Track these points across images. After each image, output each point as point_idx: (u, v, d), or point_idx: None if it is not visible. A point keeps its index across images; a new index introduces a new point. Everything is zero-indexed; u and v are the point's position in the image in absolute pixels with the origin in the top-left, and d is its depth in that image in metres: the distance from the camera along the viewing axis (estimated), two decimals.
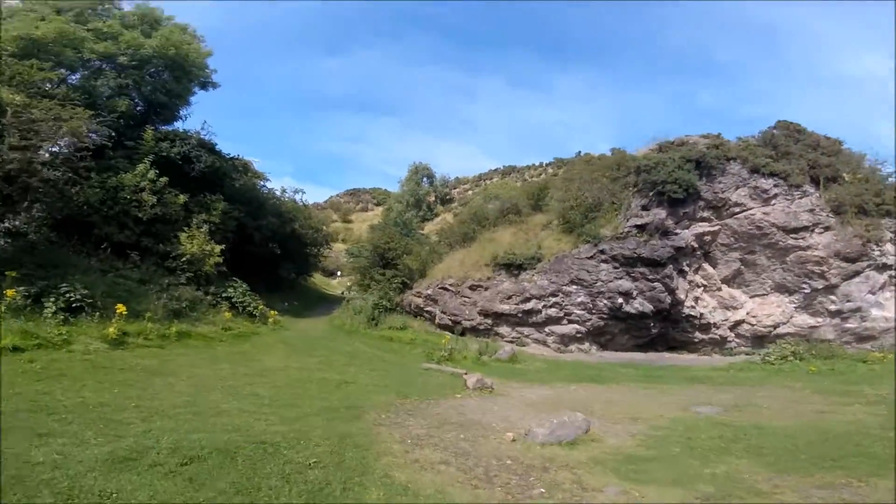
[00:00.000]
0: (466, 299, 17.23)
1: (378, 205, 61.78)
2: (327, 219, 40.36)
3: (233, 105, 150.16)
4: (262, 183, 25.14)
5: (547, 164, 54.45)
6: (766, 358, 13.54)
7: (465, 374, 10.55)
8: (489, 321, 16.84)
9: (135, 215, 14.86)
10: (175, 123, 19.63)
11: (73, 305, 9.92)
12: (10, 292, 9.08)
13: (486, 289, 16.98)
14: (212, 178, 17.98)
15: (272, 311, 16.59)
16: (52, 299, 9.70)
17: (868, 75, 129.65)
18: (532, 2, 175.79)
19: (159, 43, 17.29)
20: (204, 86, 19.74)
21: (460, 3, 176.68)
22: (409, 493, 4.38)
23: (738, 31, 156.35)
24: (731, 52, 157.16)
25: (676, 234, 15.77)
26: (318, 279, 35.23)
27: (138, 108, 17.80)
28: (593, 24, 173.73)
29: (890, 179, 15.37)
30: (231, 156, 20.93)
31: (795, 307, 15.26)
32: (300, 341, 14.19)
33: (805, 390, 10.03)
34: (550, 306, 16.18)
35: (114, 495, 3.58)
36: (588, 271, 15.89)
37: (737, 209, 15.64)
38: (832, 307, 14.59)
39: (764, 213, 15.18)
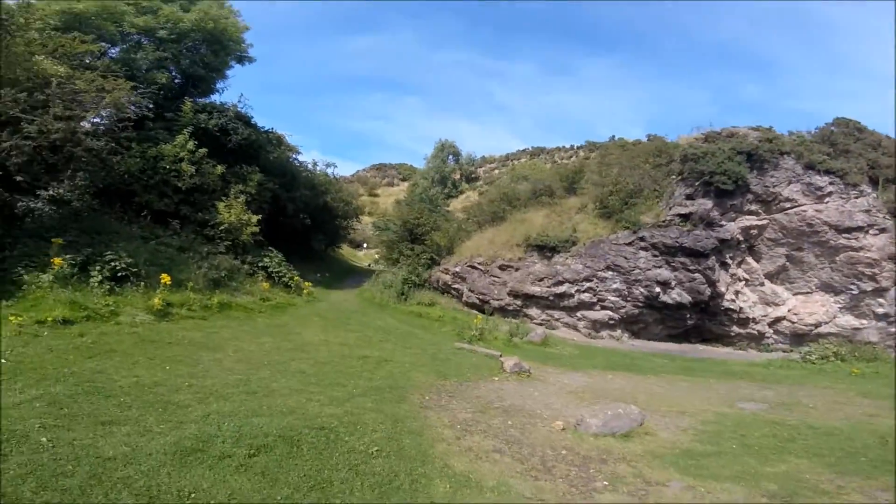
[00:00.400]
0: (496, 279, 17.12)
1: (404, 180, 61.57)
2: (355, 192, 40.47)
3: (264, 80, 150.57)
4: (294, 156, 25.23)
5: (578, 147, 53.13)
6: (807, 356, 13.14)
7: (501, 356, 10.52)
8: (518, 302, 16.73)
9: (174, 184, 15.12)
10: (212, 96, 19.90)
11: (119, 275, 10.04)
12: (57, 261, 9.09)
13: (517, 269, 16.81)
14: (248, 150, 18.14)
15: (306, 283, 16.81)
16: (98, 268, 9.79)
17: None
18: None
19: (198, 17, 17.35)
20: (240, 60, 19.92)
21: None
22: (472, 484, 4.38)
23: (783, 25, 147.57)
24: (776, 46, 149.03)
25: (722, 225, 15.20)
26: (345, 251, 35.62)
27: (176, 81, 18.05)
28: (630, 11, 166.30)
29: None
30: (266, 129, 20.98)
31: (840, 307, 14.69)
32: (334, 314, 14.36)
33: (849, 392, 9.69)
34: (584, 291, 15.94)
35: (192, 495, 3.57)
36: (626, 258, 15.52)
37: (787, 205, 14.94)
38: (880, 310, 13.99)
39: (816, 211, 14.46)
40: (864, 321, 14.32)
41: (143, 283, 10.12)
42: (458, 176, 52.93)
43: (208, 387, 6.09)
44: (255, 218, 16.24)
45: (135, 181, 14.56)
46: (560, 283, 16.05)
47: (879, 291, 13.97)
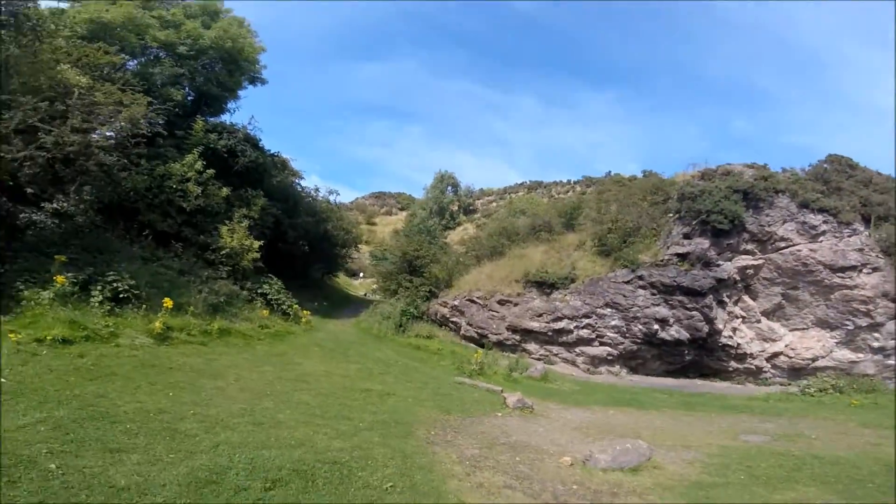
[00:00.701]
0: (494, 313, 17.10)
1: (402, 209, 62.03)
2: (355, 220, 40.65)
3: (270, 102, 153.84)
4: (297, 181, 25.43)
5: (575, 182, 54.19)
6: (806, 389, 13.21)
7: (503, 391, 10.41)
8: (517, 337, 16.67)
9: (178, 205, 15.06)
10: (222, 116, 19.94)
11: (121, 296, 9.91)
12: (59, 279, 8.98)
13: (516, 304, 16.83)
14: (253, 173, 18.22)
15: (305, 311, 16.66)
16: (100, 288, 9.67)
17: None
18: (572, 26, 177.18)
19: (217, 35, 17.54)
20: (253, 81, 20.07)
21: (499, 21, 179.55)
22: None
23: (777, 59, 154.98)
24: (770, 81, 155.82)
25: (719, 265, 15.45)
26: (341, 279, 35.43)
27: (189, 98, 18.07)
28: (629, 47, 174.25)
29: None
30: (272, 152, 21.19)
31: (836, 342, 14.82)
32: (333, 344, 14.19)
33: (850, 423, 9.72)
34: (583, 327, 15.95)
35: None
36: (624, 296, 15.65)
37: (782, 244, 15.28)
38: (875, 344, 14.15)
39: (811, 250, 14.79)
40: (861, 354, 14.43)
41: (143, 306, 9.99)
42: (456, 207, 53.48)
43: (213, 416, 5.95)
44: (256, 244, 16.17)
45: (140, 199, 14.43)
46: (559, 318, 16.07)
47: (874, 326, 14.16)
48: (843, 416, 10.36)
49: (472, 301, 17.69)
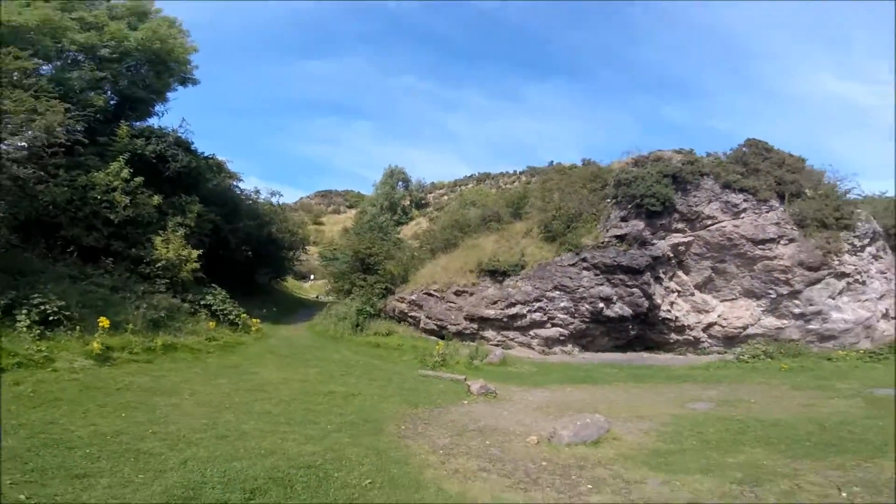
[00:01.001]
0: (452, 304, 17.33)
1: (350, 207, 60.89)
2: (301, 221, 39.34)
3: (201, 102, 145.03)
4: (235, 184, 24.27)
5: (521, 173, 55.80)
6: (741, 357, 14.51)
7: (466, 379, 10.64)
8: (475, 326, 17.02)
9: (105, 217, 13.96)
10: (149, 120, 18.72)
11: (50, 318, 9.21)
12: None
13: (472, 294, 17.16)
14: (187, 178, 17.21)
15: (254, 319, 16.05)
16: (26, 311, 8.96)
17: (826, 93, 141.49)
18: (516, 19, 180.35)
19: (145, 36, 16.47)
20: (184, 82, 18.97)
21: (445, 17, 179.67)
22: (469, 502, 4.45)
23: (705, 48, 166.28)
24: (697, 70, 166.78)
25: (654, 244, 16.56)
26: (290, 283, 34.30)
27: (112, 103, 16.77)
28: (570, 39, 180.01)
29: (848, 196, 16.87)
30: (206, 155, 20.11)
31: (763, 310, 16.38)
32: (289, 350, 13.81)
33: (783, 386, 10.79)
34: (535, 311, 16.56)
35: None
36: (570, 278, 16.39)
37: (709, 222, 16.63)
38: (796, 310, 15.78)
39: (734, 226, 16.22)
40: (785, 321, 16.06)
41: (77, 327, 9.28)
42: (407, 202, 53.32)
43: (174, 433, 5.69)
44: (195, 253, 15.28)
45: (61, 213, 13.17)
46: (512, 304, 16.57)
47: (794, 294, 15.78)
48: (777, 381, 11.48)
49: (430, 294, 17.81)
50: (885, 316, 15.77)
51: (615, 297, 16.18)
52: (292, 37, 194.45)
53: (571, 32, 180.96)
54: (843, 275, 15.39)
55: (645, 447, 6.40)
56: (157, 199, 15.15)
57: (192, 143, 18.38)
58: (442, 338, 16.54)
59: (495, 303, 16.79)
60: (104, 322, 9.41)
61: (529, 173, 46.12)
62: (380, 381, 10.47)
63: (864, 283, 15.71)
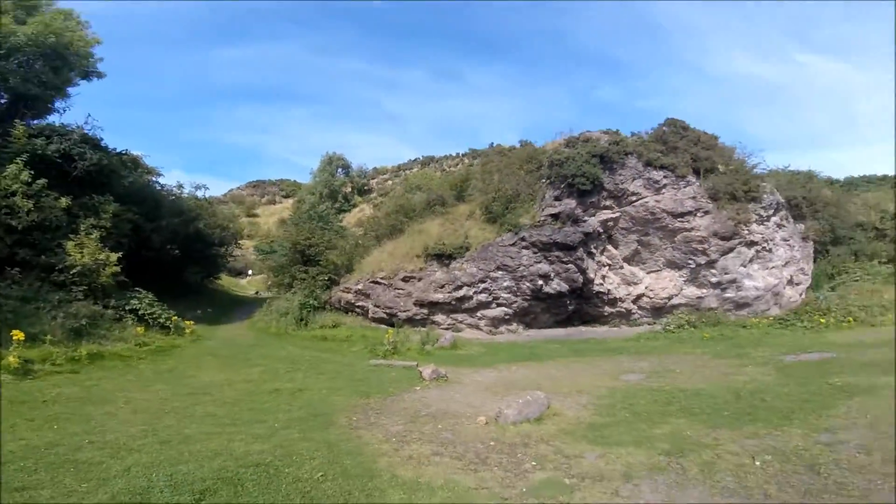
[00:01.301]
0: (400, 291, 17.38)
1: (287, 197, 58.33)
2: (232, 215, 37.18)
3: (114, 95, 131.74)
4: (154, 179, 22.54)
5: (463, 155, 56.03)
6: (667, 327, 15.81)
7: (417, 365, 10.81)
8: (425, 311, 17.21)
9: (6, 223, 12.57)
10: (50, 117, 17.06)
11: None
12: None
13: (420, 279, 17.28)
14: (98, 177, 15.84)
15: (187, 321, 15.19)
16: None
17: (736, 73, 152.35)
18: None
19: (36, 30, 14.92)
20: (86, 76, 17.31)
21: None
22: (423, 487, 4.61)
23: (634, 30, 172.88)
24: (630, 51, 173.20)
25: (585, 221, 17.49)
26: (226, 280, 32.56)
27: (2, 101, 15.14)
28: (510, 19, 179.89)
29: (755, 170, 18.64)
30: (118, 151, 18.49)
31: (684, 280, 17.90)
32: (229, 350, 13.27)
33: (705, 356, 11.76)
34: (480, 292, 17.01)
35: None
36: (511, 257, 16.98)
37: (634, 198, 17.78)
38: (713, 279, 17.40)
39: (656, 201, 17.47)
40: (704, 290, 17.65)
41: None
42: (349, 189, 51.87)
43: (113, 441, 5.47)
44: (114, 256, 14.15)
45: None
46: (459, 287, 16.90)
47: (710, 263, 17.36)
48: (700, 350, 12.53)
49: (377, 282, 17.72)
50: (791, 282, 17.79)
51: (552, 274, 16.97)
52: (212, 23, 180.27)
53: (510, 11, 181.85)
54: (752, 243, 17.15)
55: (583, 421, 6.88)
56: (64, 201, 13.85)
57: (102, 139, 16.94)
58: (392, 325, 16.58)
59: (443, 286, 17.04)
60: (18, 335, 8.71)
61: (472, 155, 46.52)
62: (329, 375, 10.37)
63: (770, 250, 17.58)
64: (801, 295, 17.87)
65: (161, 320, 14.33)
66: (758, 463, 5.05)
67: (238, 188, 67.62)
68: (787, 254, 17.92)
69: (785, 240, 18.06)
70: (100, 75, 17.78)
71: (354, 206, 48.52)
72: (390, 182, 55.02)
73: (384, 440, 6.11)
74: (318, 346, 14.96)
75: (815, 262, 19.42)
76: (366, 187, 54.57)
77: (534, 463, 5.35)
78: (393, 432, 6.47)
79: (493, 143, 36.84)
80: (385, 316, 17.32)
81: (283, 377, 9.99)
